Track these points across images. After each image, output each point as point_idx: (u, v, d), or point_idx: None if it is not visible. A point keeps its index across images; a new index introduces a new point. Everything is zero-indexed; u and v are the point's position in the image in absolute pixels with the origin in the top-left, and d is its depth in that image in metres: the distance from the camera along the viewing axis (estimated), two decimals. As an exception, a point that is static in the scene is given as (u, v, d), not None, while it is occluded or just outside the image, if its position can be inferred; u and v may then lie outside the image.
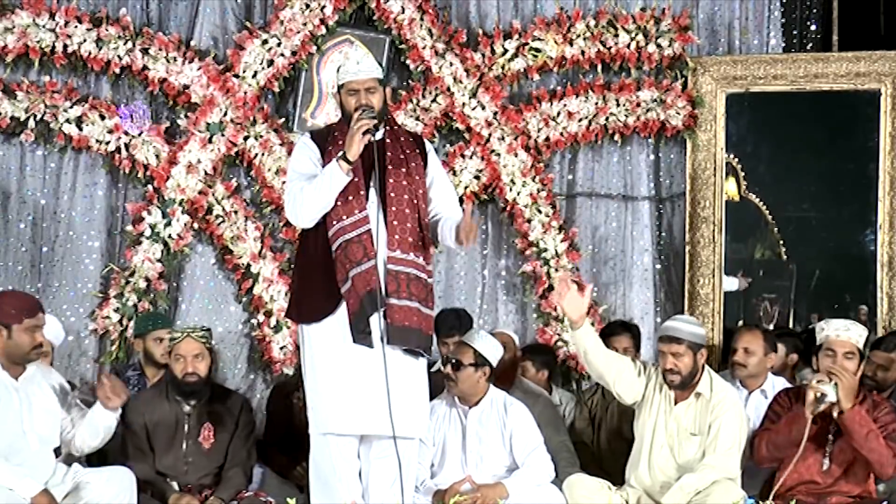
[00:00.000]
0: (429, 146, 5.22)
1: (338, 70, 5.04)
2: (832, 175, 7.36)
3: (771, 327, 7.17)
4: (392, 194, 4.95)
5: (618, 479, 5.58)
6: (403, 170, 5.00)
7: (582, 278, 7.19)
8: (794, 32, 7.65)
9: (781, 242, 7.38)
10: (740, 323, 7.18)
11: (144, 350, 6.35)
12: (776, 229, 7.38)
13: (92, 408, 5.24)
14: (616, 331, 6.30)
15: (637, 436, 5.58)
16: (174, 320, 6.91)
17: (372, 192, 4.94)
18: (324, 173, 4.87)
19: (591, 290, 5.51)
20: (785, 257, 7.35)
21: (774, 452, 5.32)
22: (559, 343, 7.13)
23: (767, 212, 7.36)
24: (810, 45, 7.65)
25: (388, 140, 5.02)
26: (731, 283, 7.26)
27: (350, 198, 4.88)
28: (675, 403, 5.48)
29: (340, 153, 4.83)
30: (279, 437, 6.17)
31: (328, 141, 5.02)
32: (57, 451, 5.26)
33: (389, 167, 4.97)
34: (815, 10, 7.66)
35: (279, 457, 6.09)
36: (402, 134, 5.19)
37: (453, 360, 5.56)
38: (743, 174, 7.34)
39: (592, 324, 6.92)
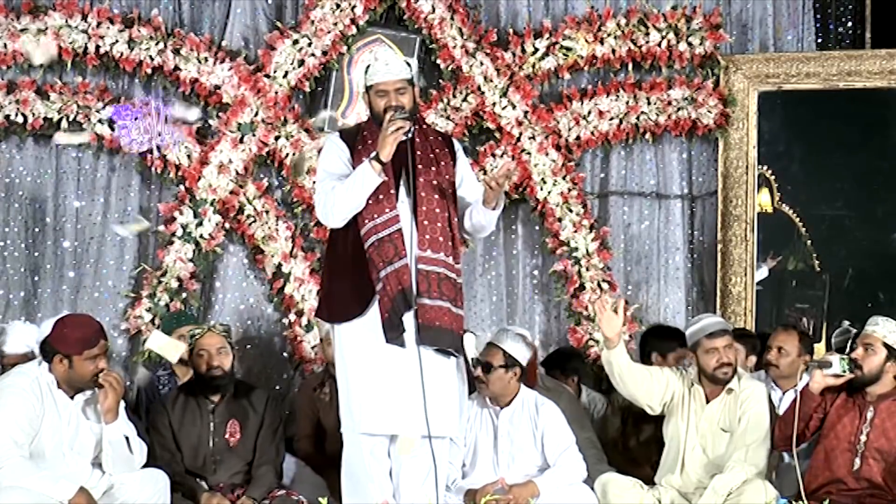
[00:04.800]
0: (457, 145, 5.22)
1: (366, 71, 5.04)
2: (865, 173, 7.30)
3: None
4: (422, 193, 4.94)
5: (649, 479, 5.57)
6: (433, 169, 5.00)
7: (613, 277, 7.19)
8: (831, 28, 7.60)
9: (815, 255, 7.32)
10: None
11: None
12: (809, 241, 7.32)
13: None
14: (673, 347, 6.25)
15: (668, 438, 5.57)
16: (208, 320, 6.95)
17: (402, 191, 4.94)
18: (355, 174, 4.86)
19: (623, 308, 5.52)
20: (818, 269, 7.30)
21: (786, 430, 5.28)
22: (590, 342, 7.11)
23: (801, 224, 7.31)
24: (844, 42, 7.59)
25: (417, 139, 5.00)
26: (761, 273, 7.23)
27: (381, 197, 4.88)
28: (707, 402, 5.47)
29: (373, 154, 4.83)
30: (308, 434, 6.20)
31: (357, 140, 5.02)
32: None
33: (419, 166, 4.96)
34: (848, 7, 7.60)
35: (311, 453, 6.11)
36: (431, 133, 5.19)
37: (483, 363, 5.56)
38: (776, 185, 7.31)
39: (623, 324, 6.93)
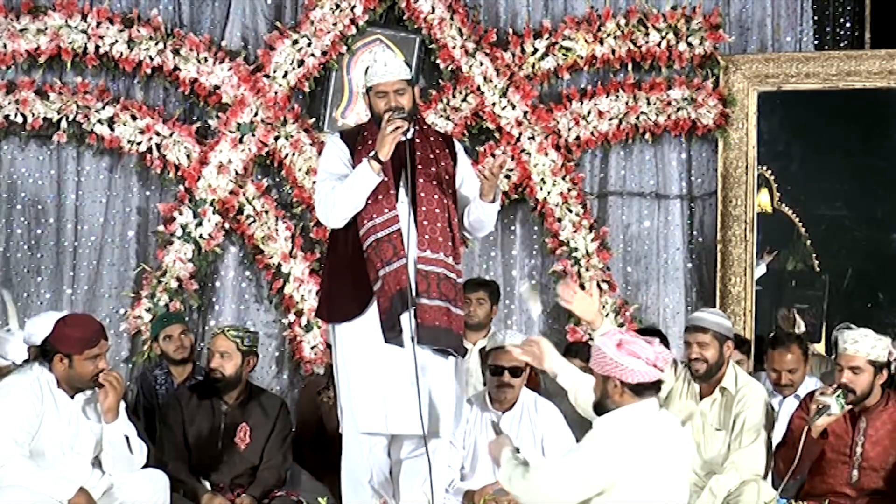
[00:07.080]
0: (458, 146, 5.22)
1: (366, 72, 5.05)
2: (865, 173, 7.29)
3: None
4: (422, 194, 4.95)
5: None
6: (433, 169, 5.00)
7: (612, 277, 7.19)
8: (828, 30, 7.60)
9: (815, 255, 7.32)
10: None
11: (161, 351, 6.41)
12: (809, 241, 7.32)
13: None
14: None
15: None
16: (208, 320, 6.97)
17: (402, 191, 4.95)
18: (354, 173, 4.87)
19: (596, 288, 5.45)
20: (818, 269, 7.30)
21: (787, 466, 5.22)
22: (590, 342, 7.11)
23: (800, 224, 7.31)
24: (843, 42, 7.60)
25: (417, 140, 5.01)
26: (759, 270, 7.22)
27: (380, 197, 4.89)
28: (700, 399, 5.46)
29: (372, 153, 4.83)
30: (310, 437, 6.19)
31: (358, 141, 5.03)
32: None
33: (419, 166, 4.97)
34: (847, 8, 7.59)
35: (311, 456, 6.11)
36: (432, 134, 5.20)
37: (509, 368, 5.51)
38: (776, 185, 7.30)
39: (622, 324, 6.92)
